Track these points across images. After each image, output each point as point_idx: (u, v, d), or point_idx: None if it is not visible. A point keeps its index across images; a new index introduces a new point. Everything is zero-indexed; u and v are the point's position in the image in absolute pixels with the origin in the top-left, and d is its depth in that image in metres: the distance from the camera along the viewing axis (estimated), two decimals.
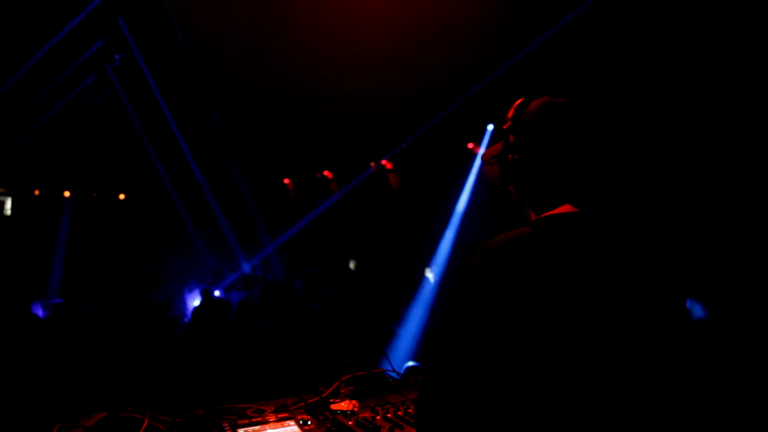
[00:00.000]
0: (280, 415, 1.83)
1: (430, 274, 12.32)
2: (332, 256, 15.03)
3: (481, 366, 1.19)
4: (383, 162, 14.69)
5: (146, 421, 1.86)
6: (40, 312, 8.12)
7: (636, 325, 1.23)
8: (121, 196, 15.59)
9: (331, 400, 2.16)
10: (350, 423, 1.81)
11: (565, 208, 1.35)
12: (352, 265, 15.43)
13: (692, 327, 1.34)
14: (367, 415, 1.89)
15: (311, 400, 2.14)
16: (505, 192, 1.50)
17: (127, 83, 11.93)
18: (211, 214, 14.55)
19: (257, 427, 1.74)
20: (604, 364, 1.19)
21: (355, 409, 2.05)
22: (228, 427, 1.74)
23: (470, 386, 1.19)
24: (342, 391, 2.28)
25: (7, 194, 14.34)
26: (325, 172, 16.47)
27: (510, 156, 1.43)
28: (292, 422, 1.79)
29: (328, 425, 1.80)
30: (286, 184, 18.15)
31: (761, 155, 5.54)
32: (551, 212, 1.35)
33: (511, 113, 1.45)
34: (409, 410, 1.91)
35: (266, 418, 1.81)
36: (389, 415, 1.87)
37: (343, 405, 2.13)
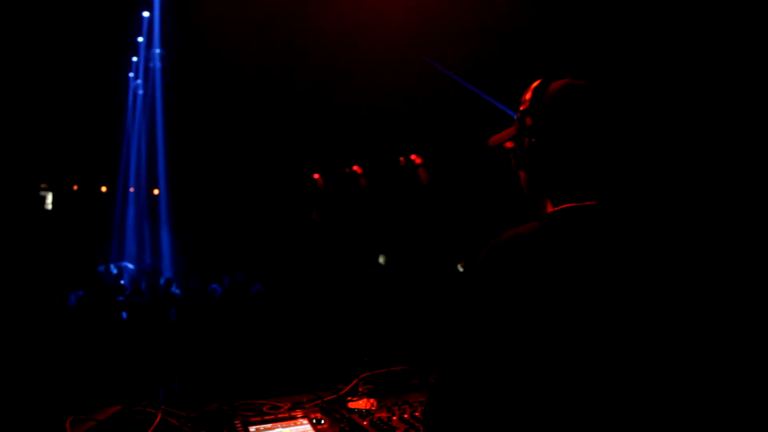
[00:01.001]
0: (293, 413, 1.78)
1: (462, 269, 12.23)
2: (363, 252, 15.04)
3: (491, 365, 1.14)
4: (412, 157, 14.60)
5: (159, 416, 1.84)
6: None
7: (652, 325, 1.16)
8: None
9: (349, 398, 2.11)
10: (365, 423, 1.76)
11: (583, 200, 1.26)
12: (381, 260, 15.41)
13: (711, 328, 1.24)
14: (384, 415, 1.83)
15: (328, 398, 2.09)
16: (516, 179, 1.42)
17: (162, 80, 12.14)
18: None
19: (269, 425, 1.70)
20: (616, 364, 1.12)
21: (373, 408, 2.00)
22: (240, 425, 1.70)
23: (480, 386, 1.14)
24: (360, 389, 2.23)
25: (48, 189, 14.78)
26: (355, 167, 16.47)
27: (527, 140, 1.33)
28: (305, 420, 1.75)
29: (342, 425, 1.75)
30: (315, 179, 18.24)
31: None
32: (570, 204, 1.27)
33: (529, 95, 1.36)
34: None
35: (279, 415, 1.77)
36: (406, 416, 1.81)
37: (361, 403, 2.07)
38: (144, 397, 1.93)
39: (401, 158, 14.92)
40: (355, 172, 16.75)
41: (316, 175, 18.36)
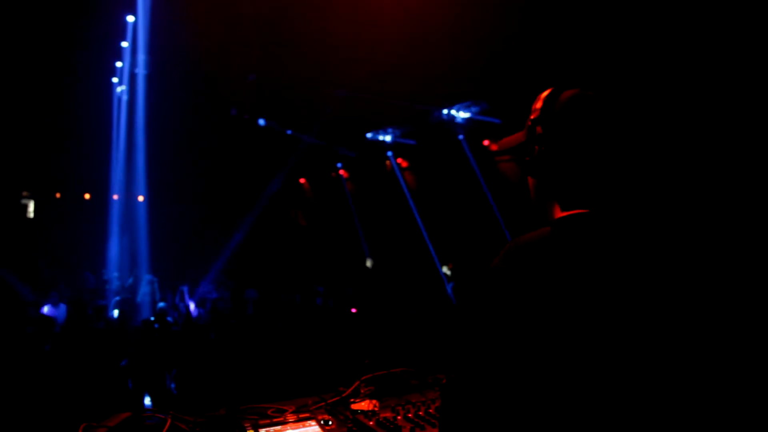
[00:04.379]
0: (301, 415, 1.83)
1: (448, 272, 12.30)
2: (350, 257, 15.07)
3: (506, 367, 1.18)
4: (399, 160, 14.68)
5: (169, 421, 1.87)
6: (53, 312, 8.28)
7: (662, 330, 1.21)
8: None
9: (351, 400, 2.16)
10: (371, 423, 1.81)
11: (592, 206, 1.31)
12: (368, 263, 15.46)
13: (719, 336, 1.31)
14: (388, 415, 1.89)
15: (332, 400, 2.14)
16: (525, 185, 1.46)
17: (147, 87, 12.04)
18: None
19: (278, 427, 1.75)
20: (628, 368, 1.17)
21: (376, 408, 2.05)
22: (249, 427, 1.75)
23: (494, 389, 1.18)
24: (362, 391, 2.28)
25: (30, 197, 14.59)
26: (341, 171, 16.50)
27: (537, 147, 1.38)
28: (313, 422, 1.80)
29: (350, 425, 1.80)
30: (302, 184, 18.23)
31: None
32: (578, 211, 1.32)
33: (539, 104, 1.41)
34: (431, 410, 1.90)
35: (287, 418, 1.82)
36: (410, 415, 1.87)
37: (364, 405, 2.12)
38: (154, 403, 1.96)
39: (387, 162, 15.01)
40: (341, 176, 16.81)
41: (302, 180, 18.37)
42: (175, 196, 14.24)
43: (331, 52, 8.46)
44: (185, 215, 14.40)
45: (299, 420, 1.80)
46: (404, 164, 15.03)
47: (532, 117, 1.42)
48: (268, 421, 1.80)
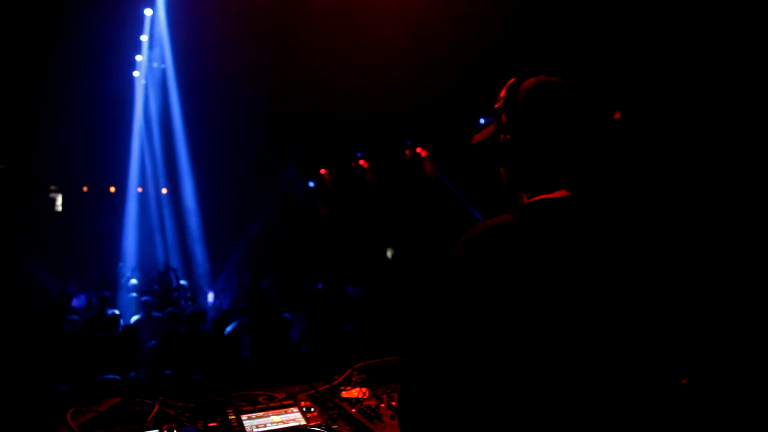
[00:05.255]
0: (284, 402, 1.84)
1: None
2: (369, 247, 15.10)
3: (464, 357, 1.15)
4: (418, 150, 14.62)
5: (157, 406, 1.91)
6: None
7: (624, 316, 1.18)
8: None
9: (342, 388, 2.17)
10: (353, 410, 1.81)
11: (558, 193, 1.30)
12: (389, 253, 15.47)
13: (684, 320, 1.28)
14: (372, 402, 1.89)
15: (321, 388, 2.16)
16: (497, 175, 1.46)
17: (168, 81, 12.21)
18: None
19: (260, 413, 1.76)
20: (592, 355, 1.15)
21: (365, 396, 2.06)
22: (232, 413, 1.77)
23: (453, 378, 1.16)
24: (354, 379, 2.29)
25: (58, 191, 14.96)
26: (361, 162, 16.50)
27: (502, 136, 1.38)
28: (295, 408, 1.81)
29: (330, 412, 1.81)
30: (323, 175, 18.30)
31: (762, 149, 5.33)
32: (543, 196, 1.31)
33: (503, 92, 1.40)
34: None
35: (270, 404, 1.83)
36: (393, 403, 1.86)
37: (354, 392, 2.13)
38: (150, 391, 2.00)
39: (407, 152, 14.95)
40: (361, 166, 16.80)
41: (322, 170, 18.44)
42: (197, 188, 14.43)
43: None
44: (207, 206, 14.60)
45: (282, 406, 1.81)
46: (424, 153, 14.97)
47: (496, 106, 1.41)
48: (251, 407, 1.81)
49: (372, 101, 10.94)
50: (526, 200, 1.35)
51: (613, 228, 1.26)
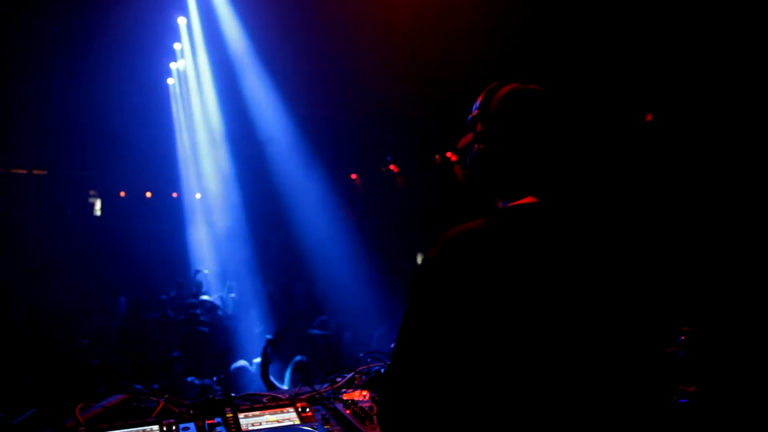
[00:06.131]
0: (281, 403, 1.88)
1: None
2: (398, 251, 15.10)
3: (434, 359, 1.17)
4: (448, 154, 14.58)
5: (162, 404, 1.98)
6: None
7: (595, 320, 1.18)
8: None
9: (343, 390, 2.21)
10: (347, 412, 1.84)
11: (528, 199, 1.31)
12: (420, 259, 15.47)
13: (657, 326, 1.27)
14: (367, 405, 1.91)
15: (323, 390, 2.20)
16: (476, 182, 1.46)
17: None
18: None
19: (257, 413, 1.81)
20: (563, 358, 1.15)
21: (364, 399, 2.09)
22: (230, 412, 1.82)
23: (425, 380, 1.17)
24: (356, 382, 2.33)
25: (97, 196, 15.45)
26: (391, 166, 16.53)
27: (476, 146, 1.39)
28: (291, 409, 1.85)
29: (324, 413, 1.85)
30: (353, 180, 18.40)
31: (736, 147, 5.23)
32: (514, 203, 1.31)
33: (479, 101, 1.41)
34: None
35: (268, 404, 1.88)
36: None
37: (355, 395, 2.17)
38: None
39: (437, 156, 14.92)
40: (391, 171, 16.84)
41: (353, 176, 18.55)
42: (232, 193, 14.70)
43: None
44: (242, 212, 14.86)
45: (278, 406, 1.86)
46: (453, 158, 14.92)
47: (471, 115, 1.43)
48: (248, 406, 1.86)
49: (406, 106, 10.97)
50: (500, 206, 1.37)
51: (581, 233, 1.26)
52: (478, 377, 1.16)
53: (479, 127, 1.39)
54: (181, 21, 10.22)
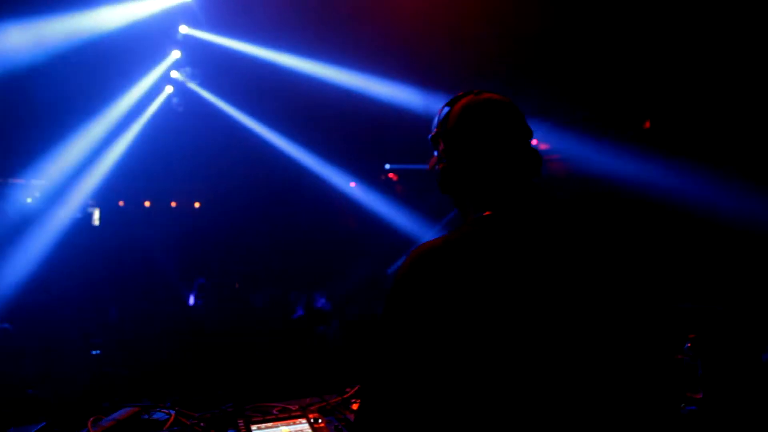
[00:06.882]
0: (293, 414, 1.89)
1: None
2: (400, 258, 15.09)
3: (409, 378, 1.14)
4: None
5: (173, 416, 1.98)
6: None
7: (568, 332, 1.16)
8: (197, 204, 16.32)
9: (353, 401, 2.22)
10: None
11: (490, 211, 1.29)
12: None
13: (650, 333, 1.26)
14: None
15: (333, 401, 2.20)
16: (449, 198, 1.46)
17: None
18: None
19: (270, 424, 1.82)
20: (533, 370, 1.13)
21: None
22: (243, 424, 1.83)
23: (404, 401, 1.14)
24: None
25: (95, 205, 15.41)
26: (390, 174, 16.59)
27: (441, 164, 1.39)
28: (303, 420, 1.86)
29: (336, 424, 1.85)
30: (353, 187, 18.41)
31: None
32: (480, 214, 1.29)
33: (436, 118, 1.42)
34: None
35: (280, 415, 1.88)
36: None
37: None
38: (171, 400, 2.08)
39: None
40: (390, 179, 16.88)
41: (352, 184, 18.60)
42: (228, 202, 14.71)
43: None
44: (236, 220, 14.84)
45: (290, 417, 1.86)
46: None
47: (432, 134, 1.44)
48: (260, 418, 1.87)
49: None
50: (470, 217, 1.36)
51: (549, 244, 1.23)
52: (457, 396, 1.13)
53: (441, 144, 1.39)
54: (183, 30, 10.27)
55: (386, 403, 1.15)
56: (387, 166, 16.28)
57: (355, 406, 2.16)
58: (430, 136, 1.45)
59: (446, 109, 1.41)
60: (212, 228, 14.26)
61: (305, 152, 13.82)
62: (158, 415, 2.02)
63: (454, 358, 1.14)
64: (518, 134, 1.34)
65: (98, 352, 5.18)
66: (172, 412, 2.00)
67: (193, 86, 11.80)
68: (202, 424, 1.97)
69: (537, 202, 1.30)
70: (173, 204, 15.60)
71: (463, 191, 1.36)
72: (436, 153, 1.46)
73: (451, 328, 1.14)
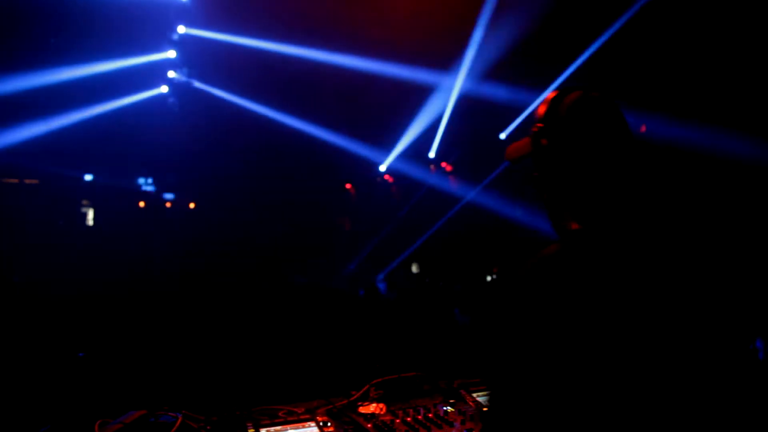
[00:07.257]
0: (301, 417, 1.88)
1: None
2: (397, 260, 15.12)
3: (545, 387, 1.10)
4: (443, 164, 14.68)
5: (180, 420, 1.97)
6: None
7: (687, 351, 1.13)
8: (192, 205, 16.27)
9: (359, 404, 2.21)
10: (369, 426, 1.85)
11: (608, 220, 1.22)
12: (414, 268, 15.48)
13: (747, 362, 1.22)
14: (388, 418, 1.92)
15: (339, 404, 2.19)
16: (540, 196, 1.36)
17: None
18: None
19: (279, 428, 1.81)
20: (657, 378, 1.10)
21: (381, 412, 2.09)
22: (252, 427, 1.82)
23: (536, 407, 1.11)
24: (371, 395, 2.33)
25: (89, 206, 15.33)
26: (386, 176, 16.61)
27: (545, 162, 1.29)
28: (312, 423, 1.85)
29: (346, 427, 1.85)
30: (348, 189, 18.42)
31: None
32: (593, 223, 1.23)
33: (543, 109, 1.30)
34: (430, 414, 1.92)
35: (288, 419, 1.88)
36: (409, 419, 1.89)
37: (371, 408, 2.16)
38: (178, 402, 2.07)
39: (432, 166, 15.01)
40: (386, 180, 16.90)
41: (348, 185, 18.59)
42: (222, 203, 14.67)
43: None
44: (231, 220, 14.80)
45: (299, 421, 1.86)
46: (448, 168, 15.02)
47: (535, 128, 1.32)
48: (269, 421, 1.86)
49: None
50: (575, 226, 1.27)
51: (670, 257, 1.19)
52: (586, 403, 1.10)
53: (544, 141, 1.28)
54: (181, 30, 10.26)
55: (521, 403, 1.12)
56: (382, 169, 16.29)
57: (361, 409, 2.15)
58: (535, 125, 1.32)
59: (555, 98, 1.29)
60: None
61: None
62: (165, 419, 2.01)
63: (581, 362, 1.10)
64: (631, 136, 1.27)
65: (98, 352, 5.14)
66: (179, 416, 1.99)
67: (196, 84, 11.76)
68: (209, 427, 1.96)
69: (645, 211, 1.24)
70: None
71: (568, 195, 1.26)
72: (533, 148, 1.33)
73: (574, 339, 1.11)
